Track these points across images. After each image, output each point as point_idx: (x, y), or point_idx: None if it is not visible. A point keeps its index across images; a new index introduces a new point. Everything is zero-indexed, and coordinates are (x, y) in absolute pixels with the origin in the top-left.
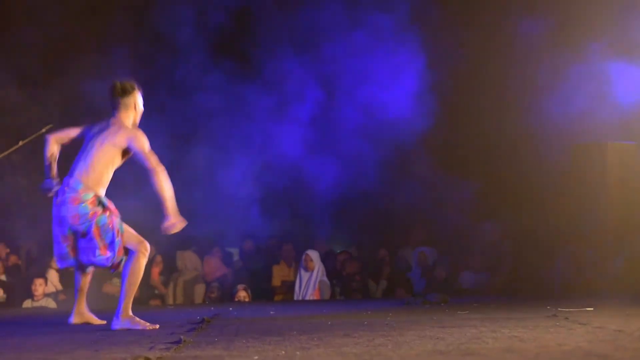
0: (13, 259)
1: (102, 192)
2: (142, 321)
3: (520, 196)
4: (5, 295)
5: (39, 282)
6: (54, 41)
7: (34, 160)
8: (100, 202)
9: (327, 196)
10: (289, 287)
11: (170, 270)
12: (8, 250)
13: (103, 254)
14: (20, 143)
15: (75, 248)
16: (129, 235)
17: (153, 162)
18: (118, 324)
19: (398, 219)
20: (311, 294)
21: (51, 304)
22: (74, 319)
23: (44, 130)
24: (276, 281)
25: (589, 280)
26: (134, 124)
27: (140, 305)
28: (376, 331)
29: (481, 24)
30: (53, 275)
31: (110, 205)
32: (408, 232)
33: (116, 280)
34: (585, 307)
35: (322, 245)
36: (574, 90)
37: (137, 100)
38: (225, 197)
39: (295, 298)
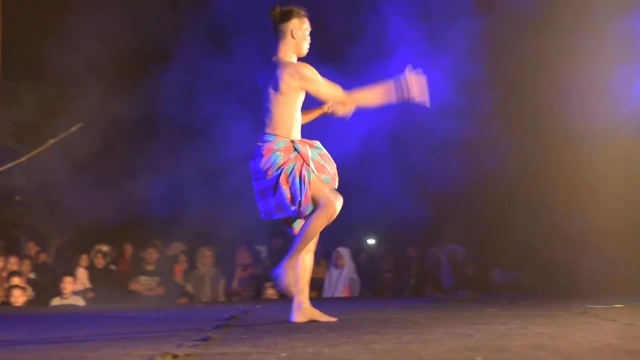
0: (42, 257)
1: (296, 136)
2: (291, 278)
3: (550, 192)
4: (34, 293)
5: (68, 280)
6: None
7: (64, 159)
8: (295, 149)
9: (357, 194)
10: (316, 284)
11: (192, 268)
12: (38, 248)
13: (290, 203)
14: (51, 142)
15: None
16: (318, 189)
17: (333, 94)
18: (277, 272)
19: (428, 217)
20: (341, 291)
21: (79, 301)
22: (295, 317)
23: (74, 129)
24: None
25: (619, 277)
26: (297, 56)
27: (167, 303)
28: (405, 328)
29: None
30: (82, 273)
31: (304, 151)
32: (438, 229)
33: (143, 278)
34: (615, 304)
35: (352, 243)
36: (605, 87)
37: (296, 28)
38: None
39: (324, 295)
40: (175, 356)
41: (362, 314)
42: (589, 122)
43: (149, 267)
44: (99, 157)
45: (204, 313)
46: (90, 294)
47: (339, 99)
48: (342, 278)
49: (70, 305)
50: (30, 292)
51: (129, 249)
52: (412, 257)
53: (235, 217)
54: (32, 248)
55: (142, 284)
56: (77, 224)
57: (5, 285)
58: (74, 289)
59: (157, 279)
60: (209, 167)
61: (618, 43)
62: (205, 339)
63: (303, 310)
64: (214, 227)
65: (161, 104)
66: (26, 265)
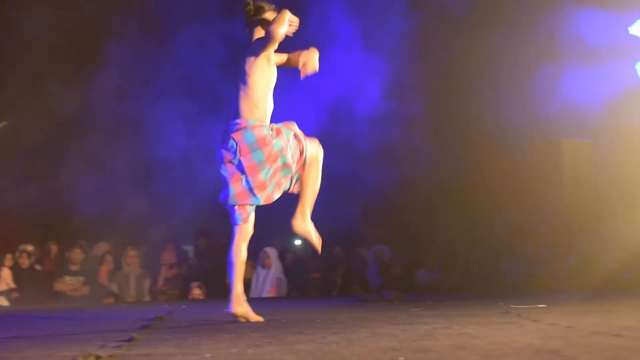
0: None
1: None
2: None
3: (474, 193)
4: None
5: None
6: None
7: None
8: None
9: (284, 195)
10: (243, 284)
11: (118, 268)
12: None
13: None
14: None
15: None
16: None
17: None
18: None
19: (354, 217)
20: (268, 291)
21: (3, 302)
22: (234, 308)
23: None
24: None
25: (542, 277)
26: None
27: (93, 304)
28: (329, 328)
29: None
30: (6, 273)
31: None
32: (364, 230)
33: (68, 278)
34: (538, 304)
35: (278, 243)
36: (529, 89)
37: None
38: (181, 194)
39: (251, 295)
40: (98, 357)
41: (288, 314)
42: (511, 125)
43: (74, 267)
44: (26, 153)
45: (129, 313)
46: (15, 294)
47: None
48: (269, 278)
49: None
50: None
51: (54, 249)
52: (339, 257)
53: (163, 217)
54: None
55: (67, 284)
56: (1, 223)
57: None
58: None
59: (82, 279)
60: (140, 167)
61: (542, 44)
62: (129, 340)
63: (242, 302)
64: (142, 227)
65: (93, 101)
66: None
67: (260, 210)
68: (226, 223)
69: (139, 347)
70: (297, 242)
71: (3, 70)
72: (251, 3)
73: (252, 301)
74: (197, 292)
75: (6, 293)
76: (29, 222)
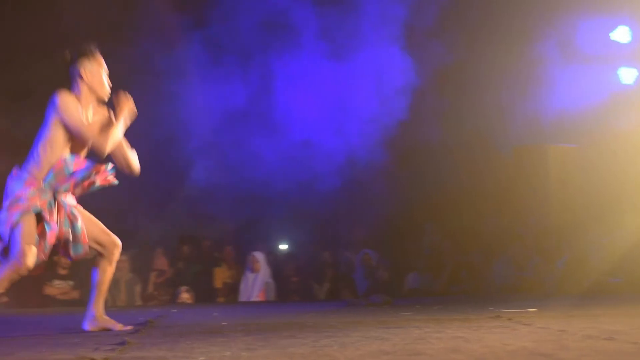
0: None
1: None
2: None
3: (461, 197)
4: None
5: None
6: None
7: None
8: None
9: (272, 198)
10: (230, 289)
11: None
12: None
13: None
14: None
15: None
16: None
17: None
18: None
19: (341, 221)
20: (256, 296)
21: None
22: (88, 325)
23: None
24: (218, 283)
25: (530, 281)
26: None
27: (82, 308)
28: (321, 332)
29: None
30: None
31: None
32: (350, 234)
33: (57, 282)
34: (528, 308)
35: (265, 247)
36: (516, 93)
37: (87, 69)
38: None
39: (240, 299)
40: None
41: (278, 317)
42: (499, 129)
43: (63, 271)
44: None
45: (120, 317)
46: (4, 299)
47: (95, 141)
48: (258, 282)
49: None
50: None
51: None
52: (327, 262)
53: (154, 221)
54: None
55: (57, 288)
56: None
57: None
58: None
59: (71, 283)
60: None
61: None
62: (122, 343)
63: (96, 318)
64: (132, 232)
65: None
66: None
67: (248, 215)
68: (212, 227)
69: (132, 350)
70: (283, 246)
71: None
72: (66, 52)
73: (239, 305)
74: (185, 296)
75: None
76: None
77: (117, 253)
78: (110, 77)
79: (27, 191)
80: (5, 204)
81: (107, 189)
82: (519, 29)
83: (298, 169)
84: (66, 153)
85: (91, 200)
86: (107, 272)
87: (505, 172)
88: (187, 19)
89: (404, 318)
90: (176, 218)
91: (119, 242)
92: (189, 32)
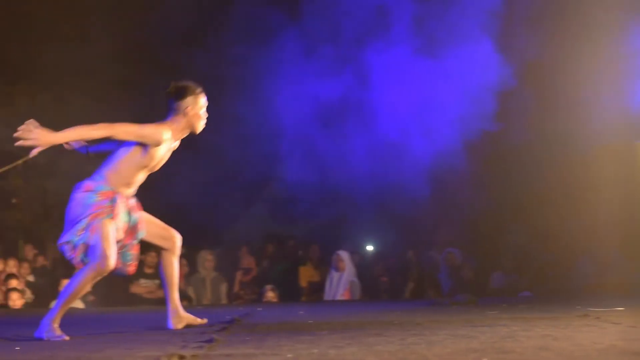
0: (41, 260)
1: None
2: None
3: (546, 197)
4: (33, 296)
5: (66, 282)
6: None
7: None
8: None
9: (358, 198)
10: (315, 288)
11: (193, 271)
12: (36, 251)
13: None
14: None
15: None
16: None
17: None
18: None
19: (427, 222)
20: (341, 294)
21: (79, 304)
22: (173, 323)
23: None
24: (303, 282)
25: (615, 280)
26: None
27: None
28: (408, 330)
29: None
30: None
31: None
32: (434, 233)
33: (143, 281)
34: (616, 307)
35: (351, 247)
36: (606, 90)
37: (191, 105)
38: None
39: (325, 298)
40: (181, 357)
41: (363, 316)
42: (582, 127)
43: (149, 270)
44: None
45: (206, 316)
46: (91, 297)
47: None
48: (343, 281)
49: (70, 308)
50: (29, 295)
51: None
52: (411, 261)
53: (239, 220)
54: (30, 251)
55: (143, 286)
56: None
57: (3, 288)
58: None
59: (157, 281)
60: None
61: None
62: (210, 341)
63: (180, 316)
64: (217, 230)
65: None
66: (25, 269)
67: (333, 216)
68: (297, 226)
69: (220, 347)
70: (369, 247)
71: None
72: (172, 85)
73: (324, 304)
74: (270, 294)
75: (82, 296)
76: None
77: (179, 244)
78: (205, 76)
79: (105, 202)
80: (84, 213)
81: (193, 186)
82: (607, 22)
83: (385, 169)
84: (142, 175)
85: (177, 198)
86: (174, 264)
87: (592, 171)
88: (281, 13)
89: (491, 317)
90: (261, 217)
91: (178, 234)
92: (284, 26)
